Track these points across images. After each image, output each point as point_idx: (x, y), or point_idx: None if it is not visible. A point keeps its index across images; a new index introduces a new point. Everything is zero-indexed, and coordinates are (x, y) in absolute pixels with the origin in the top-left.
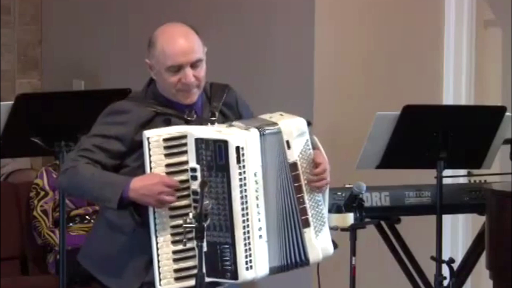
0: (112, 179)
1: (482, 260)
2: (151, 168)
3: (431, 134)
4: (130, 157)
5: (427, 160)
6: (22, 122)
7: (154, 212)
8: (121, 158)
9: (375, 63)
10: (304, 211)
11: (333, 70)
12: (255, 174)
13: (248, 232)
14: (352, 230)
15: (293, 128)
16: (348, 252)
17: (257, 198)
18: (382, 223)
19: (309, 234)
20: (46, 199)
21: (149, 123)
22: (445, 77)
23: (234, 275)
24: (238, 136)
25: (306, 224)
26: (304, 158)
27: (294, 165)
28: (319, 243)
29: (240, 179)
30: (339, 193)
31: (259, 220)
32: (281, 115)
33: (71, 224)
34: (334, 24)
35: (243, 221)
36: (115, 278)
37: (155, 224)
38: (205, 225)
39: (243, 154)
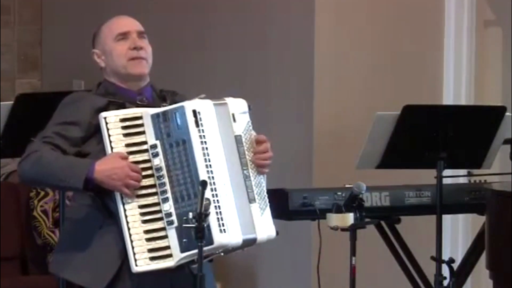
0: (77, 160)
1: (482, 260)
2: (111, 148)
3: (431, 134)
4: (89, 142)
5: (427, 160)
6: (22, 122)
7: (121, 195)
8: (80, 144)
9: (375, 63)
10: (250, 186)
11: (333, 70)
12: (214, 140)
13: (217, 195)
14: (352, 230)
15: (236, 104)
16: (348, 252)
17: (219, 163)
18: (382, 223)
19: (255, 209)
20: (46, 199)
21: (103, 110)
22: (445, 77)
23: (209, 240)
24: (193, 102)
25: (253, 199)
26: (246, 137)
27: (239, 139)
28: (263, 222)
29: (202, 142)
30: (339, 193)
31: (225, 185)
32: None
33: None
34: (334, 24)
35: (210, 184)
36: (90, 274)
37: (123, 204)
38: (205, 225)
39: (200, 119)
